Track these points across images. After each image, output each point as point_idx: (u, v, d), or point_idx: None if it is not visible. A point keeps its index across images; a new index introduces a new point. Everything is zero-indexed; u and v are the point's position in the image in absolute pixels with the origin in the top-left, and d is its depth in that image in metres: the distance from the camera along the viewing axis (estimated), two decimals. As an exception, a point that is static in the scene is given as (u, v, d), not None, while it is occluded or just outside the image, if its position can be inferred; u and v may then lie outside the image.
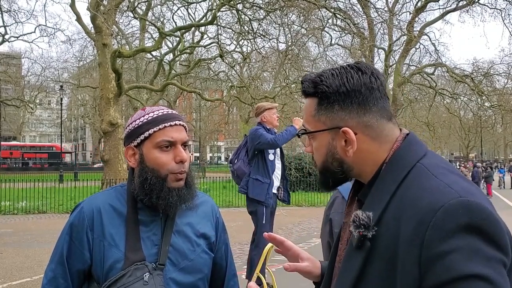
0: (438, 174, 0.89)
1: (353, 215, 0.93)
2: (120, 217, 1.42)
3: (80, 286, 1.44)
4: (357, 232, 0.91)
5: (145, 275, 1.34)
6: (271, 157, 4.90)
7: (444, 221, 0.80)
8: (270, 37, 19.60)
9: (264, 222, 4.83)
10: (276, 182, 5.00)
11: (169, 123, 1.41)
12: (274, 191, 4.96)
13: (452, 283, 0.79)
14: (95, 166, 47.96)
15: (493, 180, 23.46)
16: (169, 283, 1.39)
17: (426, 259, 0.81)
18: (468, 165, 24.82)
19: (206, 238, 1.51)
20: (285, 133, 4.81)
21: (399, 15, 23.72)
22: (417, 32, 23.63)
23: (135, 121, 1.45)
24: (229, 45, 22.72)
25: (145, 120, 1.42)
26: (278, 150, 5.05)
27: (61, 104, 36.58)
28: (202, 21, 20.39)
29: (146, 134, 1.41)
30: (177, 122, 1.43)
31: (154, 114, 1.43)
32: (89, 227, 1.40)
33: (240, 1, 16.91)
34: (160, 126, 1.40)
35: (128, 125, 1.47)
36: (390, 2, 24.30)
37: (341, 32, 21.52)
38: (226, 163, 58.56)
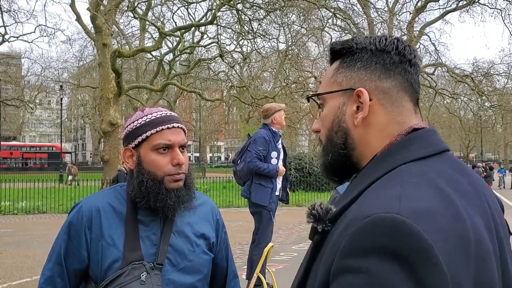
0: (407, 183, 0.72)
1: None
2: (119, 216, 1.42)
3: (77, 285, 1.43)
4: (307, 221, 0.82)
5: (142, 275, 1.34)
6: (274, 161, 4.89)
7: (363, 233, 0.67)
8: (270, 37, 19.63)
9: (267, 224, 4.85)
10: (279, 185, 5.00)
11: (166, 126, 1.41)
12: (277, 193, 4.96)
13: None
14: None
15: (493, 180, 23.45)
16: (168, 284, 1.38)
17: (335, 267, 0.70)
18: (468, 166, 24.78)
19: (205, 238, 1.50)
20: (267, 167, 4.80)
21: (399, 15, 23.74)
22: (417, 32, 23.66)
23: (133, 122, 1.44)
24: (229, 45, 22.78)
25: (143, 122, 1.42)
26: (281, 152, 5.05)
27: (61, 104, 36.59)
28: (202, 21, 20.42)
29: (144, 136, 1.40)
30: (175, 125, 1.43)
31: (152, 116, 1.43)
32: (88, 226, 1.39)
33: (240, 1, 16.92)
34: (158, 129, 1.40)
35: (127, 126, 1.46)
36: (390, 2, 24.32)
37: (341, 32, 21.52)
38: (226, 164, 58.56)
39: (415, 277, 0.62)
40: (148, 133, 1.40)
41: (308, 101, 0.97)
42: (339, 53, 0.90)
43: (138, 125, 1.42)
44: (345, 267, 0.67)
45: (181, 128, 1.45)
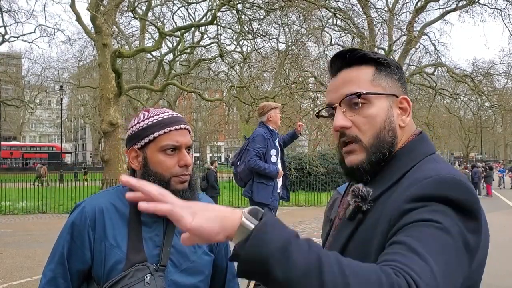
0: (441, 163, 0.94)
1: (354, 187, 0.96)
2: (122, 217, 1.41)
3: (79, 286, 1.43)
4: (353, 201, 0.95)
5: (147, 276, 1.33)
6: (273, 159, 4.90)
7: (429, 186, 0.85)
8: (270, 37, 19.59)
9: None
10: (280, 183, 5.01)
11: (174, 127, 1.41)
12: (278, 191, 4.97)
13: (412, 223, 0.81)
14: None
15: (493, 180, 23.44)
16: (171, 285, 1.38)
17: (398, 211, 0.84)
18: (468, 166, 24.78)
19: None
20: (268, 168, 4.79)
21: (399, 15, 23.71)
22: (417, 32, 23.62)
23: (139, 123, 1.43)
24: (229, 45, 22.74)
25: (150, 123, 1.41)
26: (279, 149, 5.05)
27: (61, 104, 36.54)
28: (202, 21, 20.42)
29: (151, 137, 1.40)
30: (182, 126, 1.43)
31: (159, 117, 1.42)
32: (91, 227, 1.39)
33: (240, 1, 16.91)
34: (166, 130, 1.40)
35: (132, 127, 1.45)
36: (390, 2, 24.28)
37: (341, 32, 21.51)
38: (226, 164, 58.50)
39: (469, 216, 0.83)
40: (156, 134, 1.39)
41: (359, 97, 0.98)
42: (371, 61, 1.00)
43: (144, 125, 1.42)
44: (410, 208, 0.83)
45: (187, 129, 1.45)
